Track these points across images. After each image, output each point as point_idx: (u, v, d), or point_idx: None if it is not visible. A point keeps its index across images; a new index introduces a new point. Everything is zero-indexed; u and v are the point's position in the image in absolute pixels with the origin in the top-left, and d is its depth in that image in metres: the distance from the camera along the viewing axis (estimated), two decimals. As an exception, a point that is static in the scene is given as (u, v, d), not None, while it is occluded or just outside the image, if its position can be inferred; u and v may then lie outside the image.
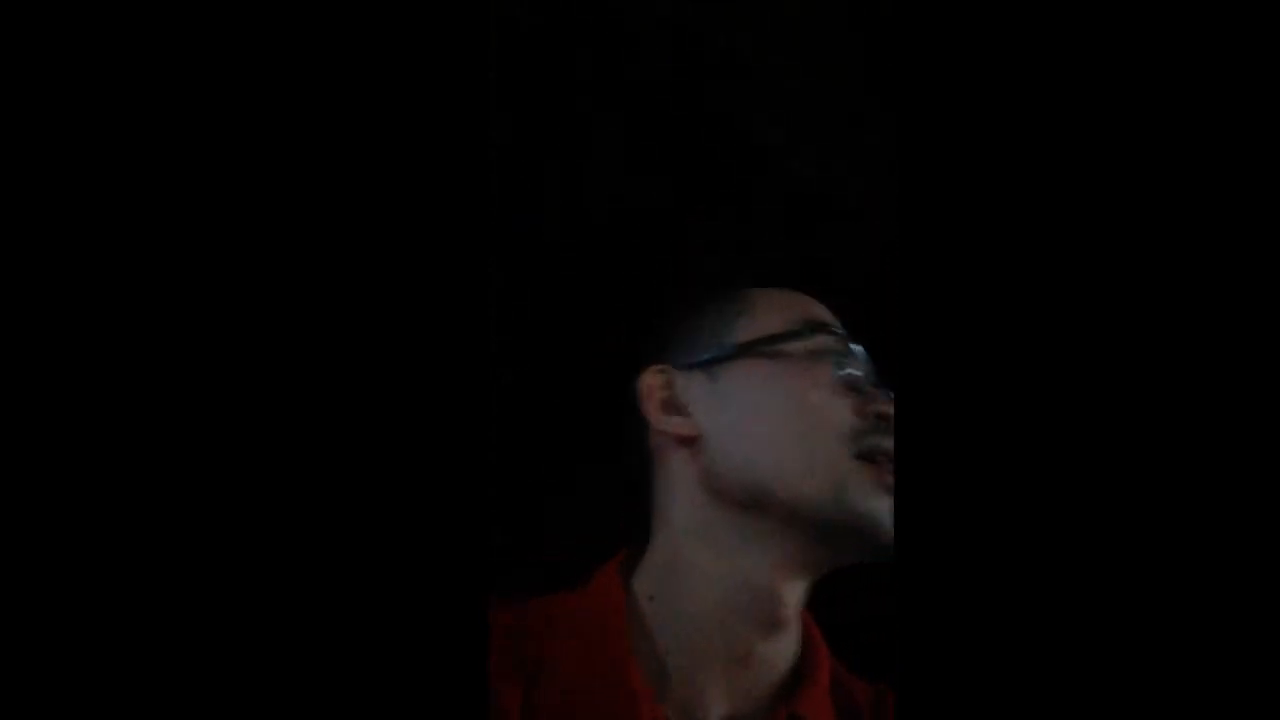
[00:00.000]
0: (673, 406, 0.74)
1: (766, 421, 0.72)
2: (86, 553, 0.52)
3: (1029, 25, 0.58)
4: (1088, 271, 0.56)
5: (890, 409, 0.71)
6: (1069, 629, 0.54)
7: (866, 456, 0.70)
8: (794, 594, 0.71)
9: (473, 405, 0.58)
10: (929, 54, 0.59)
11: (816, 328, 0.75)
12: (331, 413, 0.55)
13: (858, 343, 0.75)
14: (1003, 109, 0.58)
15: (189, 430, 0.54)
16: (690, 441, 0.73)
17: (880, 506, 0.69)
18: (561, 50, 0.86)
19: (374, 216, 0.57)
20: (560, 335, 0.85)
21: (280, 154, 0.56)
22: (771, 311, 0.76)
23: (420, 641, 0.55)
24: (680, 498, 0.73)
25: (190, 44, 0.55)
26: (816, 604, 0.74)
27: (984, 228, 0.58)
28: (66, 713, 0.51)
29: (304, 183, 0.56)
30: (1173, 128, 0.56)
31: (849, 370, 0.73)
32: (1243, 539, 0.53)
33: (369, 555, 0.55)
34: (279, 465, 0.54)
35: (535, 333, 0.76)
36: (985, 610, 0.55)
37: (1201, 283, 0.55)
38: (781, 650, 0.71)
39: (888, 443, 0.71)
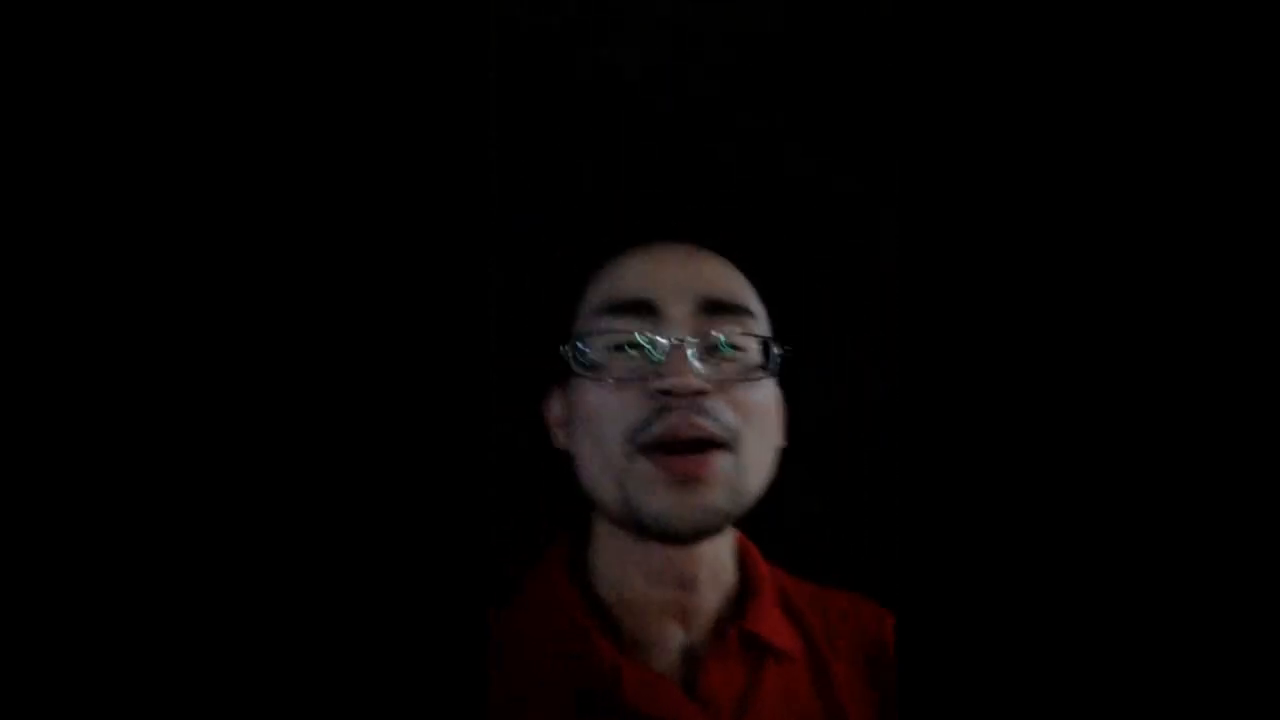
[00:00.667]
0: (566, 423, 0.76)
1: (578, 432, 0.74)
2: (89, 554, 0.52)
3: (1024, 29, 0.58)
4: (1085, 271, 0.56)
5: (674, 379, 0.68)
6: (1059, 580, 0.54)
7: (647, 449, 0.69)
8: (698, 557, 0.73)
9: (473, 405, 0.58)
10: (927, 54, 0.59)
11: (604, 310, 0.72)
12: (331, 412, 0.55)
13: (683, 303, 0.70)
14: (1000, 109, 0.58)
15: (190, 429, 0.54)
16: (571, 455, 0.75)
17: (664, 503, 0.69)
18: (561, 50, 0.86)
19: (374, 216, 0.57)
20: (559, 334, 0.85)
21: (281, 154, 0.56)
22: (589, 306, 0.74)
23: (420, 641, 0.55)
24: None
25: (192, 45, 0.55)
26: (754, 523, 0.76)
27: (981, 227, 0.58)
28: (67, 713, 0.51)
29: (305, 183, 0.56)
30: (1171, 130, 0.56)
31: (632, 359, 0.70)
32: (1242, 537, 0.53)
33: (367, 555, 0.55)
34: (278, 465, 0.55)
35: (534, 332, 0.76)
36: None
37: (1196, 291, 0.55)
38: (713, 591, 0.75)
39: (672, 423, 0.68)
